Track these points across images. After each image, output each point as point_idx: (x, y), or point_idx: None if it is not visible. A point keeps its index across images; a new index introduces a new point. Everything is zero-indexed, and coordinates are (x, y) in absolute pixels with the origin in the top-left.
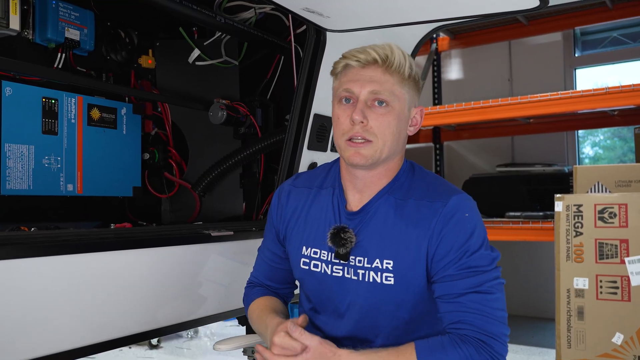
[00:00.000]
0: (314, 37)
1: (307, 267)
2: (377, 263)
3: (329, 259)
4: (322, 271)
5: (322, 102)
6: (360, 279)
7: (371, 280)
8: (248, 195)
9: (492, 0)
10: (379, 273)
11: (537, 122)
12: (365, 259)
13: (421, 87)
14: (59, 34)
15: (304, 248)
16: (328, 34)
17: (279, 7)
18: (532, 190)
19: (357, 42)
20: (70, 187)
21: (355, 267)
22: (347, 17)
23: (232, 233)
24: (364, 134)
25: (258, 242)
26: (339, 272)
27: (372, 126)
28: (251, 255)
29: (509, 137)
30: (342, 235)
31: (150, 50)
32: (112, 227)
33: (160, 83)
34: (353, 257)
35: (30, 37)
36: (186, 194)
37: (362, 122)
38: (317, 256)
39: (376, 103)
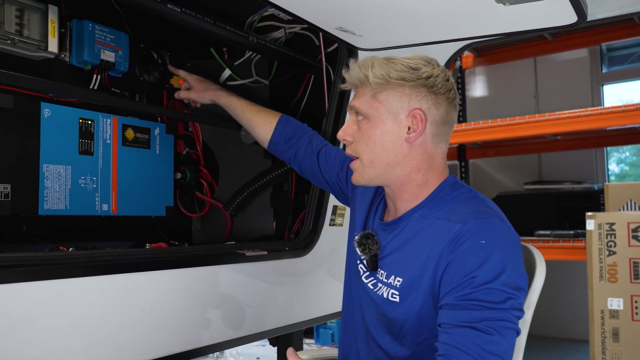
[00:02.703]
0: (345, 55)
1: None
2: (391, 279)
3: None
4: (362, 272)
5: None
6: (376, 290)
7: (381, 294)
8: (278, 215)
9: (528, 17)
10: (389, 289)
11: (565, 139)
12: (385, 273)
13: (427, 88)
14: (95, 56)
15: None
16: (360, 52)
17: (313, 27)
18: (562, 208)
19: None
20: (105, 206)
21: (378, 280)
22: (379, 36)
23: (266, 253)
24: (349, 151)
25: (292, 262)
26: (366, 280)
27: (355, 141)
28: (285, 276)
29: (536, 154)
30: (364, 241)
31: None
32: (147, 247)
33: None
34: (379, 270)
35: (67, 60)
36: (217, 214)
37: (345, 140)
38: (360, 254)
39: (357, 118)
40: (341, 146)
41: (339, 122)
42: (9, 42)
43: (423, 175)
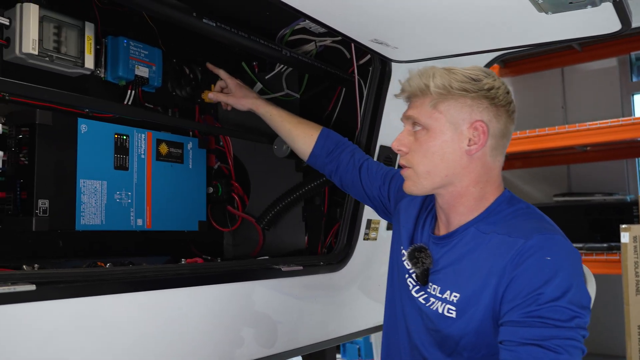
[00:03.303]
0: (379, 68)
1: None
2: (447, 294)
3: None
4: (411, 286)
5: (387, 134)
6: (429, 305)
7: (435, 309)
8: (310, 229)
9: (569, 25)
10: (444, 304)
11: (594, 150)
12: (439, 288)
13: (493, 99)
14: (130, 72)
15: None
16: (393, 64)
17: (348, 39)
18: (593, 220)
19: None
20: (139, 221)
21: (430, 295)
22: (414, 47)
23: (302, 268)
24: (402, 161)
25: (327, 277)
26: (416, 294)
27: (410, 152)
28: (319, 291)
29: (565, 165)
30: (417, 255)
31: (212, 86)
32: (184, 263)
33: (222, 117)
34: (431, 284)
35: (102, 76)
36: (248, 228)
37: (399, 150)
38: (409, 268)
39: (414, 128)
40: (372, 156)
41: (372, 134)
42: (47, 59)
43: (481, 188)
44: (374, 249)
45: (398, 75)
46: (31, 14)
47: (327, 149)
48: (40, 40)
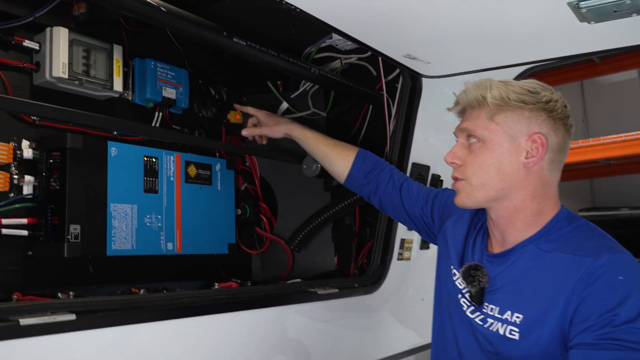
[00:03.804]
0: (409, 83)
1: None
2: (507, 315)
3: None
4: (462, 304)
5: (419, 151)
6: (487, 326)
7: (494, 330)
8: (340, 249)
9: (612, 34)
10: (505, 325)
11: (618, 163)
12: (498, 308)
13: (553, 112)
14: (157, 94)
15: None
16: (424, 80)
17: (378, 55)
18: (620, 235)
19: (452, 88)
20: (170, 245)
21: (487, 315)
22: (446, 62)
23: (337, 290)
24: (455, 174)
25: (362, 299)
26: (472, 315)
27: (464, 164)
28: (355, 313)
29: (588, 179)
30: (472, 273)
31: (237, 105)
32: (218, 287)
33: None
34: (487, 304)
35: (130, 98)
36: (277, 250)
37: (453, 163)
38: (462, 288)
39: (469, 140)
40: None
41: (404, 151)
42: (77, 82)
43: (538, 203)
44: (408, 269)
45: (429, 90)
46: (61, 37)
47: (364, 170)
48: (70, 63)
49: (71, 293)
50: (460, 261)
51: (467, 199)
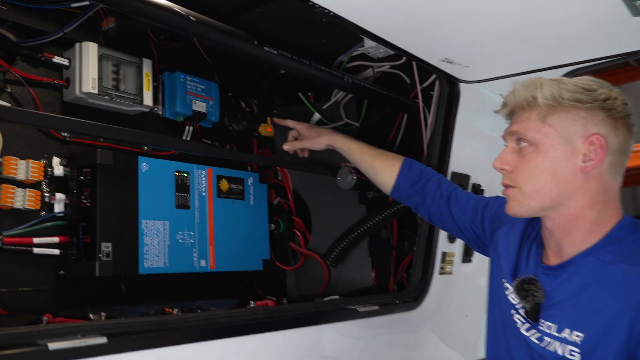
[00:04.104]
0: (446, 89)
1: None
2: (566, 333)
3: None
4: (517, 321)
5: (459, 160)
6: (544, 345)
7: (552, 350)
8: (377, 264)
9: None
10: (564, 345)
11: None
12: (555, 326)
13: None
14: (187, 107)
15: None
16: (462, 85)
17: (414, 60)
18: None
19: (491, 92)
20: (203, 262)
21: (543, 333)
22: (486, 66)
23: (378, 308)
24: (506, 181)
25: (403, 316)
26: (527, 332)
27: (514, 170)
28: (398, 331)
29: (630, 187)
30: (526, 287)
31: (268, 119)
32: (253, 306)
33: (280, 150)
34: (543, 321)
35: (160, 113)
36: (311, 265)
37: (503, 169)
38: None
39: (519, 145)
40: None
41: (443, 160)
42: (106, 97)
43: (598, 211)
44: (450, 284)
45: (467, 96)
46: (90, 52)
47: (410, 180)
48: (100, 78)
49: (103, 314)
50: (513, 274)
51: (519, 208)
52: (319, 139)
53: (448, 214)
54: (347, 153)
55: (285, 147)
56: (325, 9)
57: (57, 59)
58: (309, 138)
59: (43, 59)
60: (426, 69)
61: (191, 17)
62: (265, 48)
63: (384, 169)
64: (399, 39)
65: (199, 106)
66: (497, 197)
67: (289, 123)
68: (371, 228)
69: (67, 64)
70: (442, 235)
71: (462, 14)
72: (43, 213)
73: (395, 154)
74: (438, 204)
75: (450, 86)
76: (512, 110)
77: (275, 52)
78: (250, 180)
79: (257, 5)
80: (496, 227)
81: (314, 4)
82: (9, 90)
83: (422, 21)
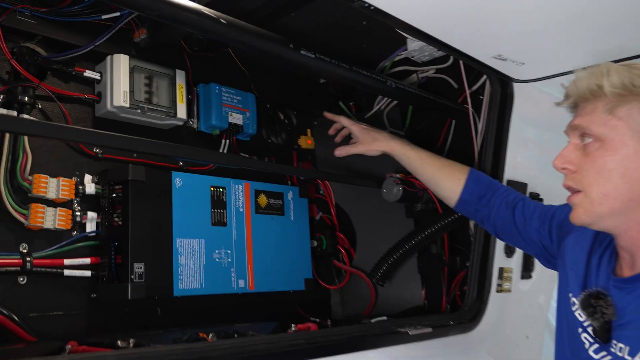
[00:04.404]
0: (498, 91)
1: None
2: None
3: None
4: (584, 340)
5: (514, 167)
6: None
7: None
8: (427, 282)
9: None
10: None
11: None
12: (628, 348)
13: None
14: (223, 120)
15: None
16: (515, 85)
17: (464, 58)
18: None
19: (550, 92)
20: (241, 283)
21: (615, 356)
22: (544, 62)
23: (431, 330)
24: (568, 182)
25: (458, 339)
26: (595, 355)
27: (578, 170)
28: (453, 355)
29: None
30: (593, 303)
31: (308, 130)
32: (294, 330)
33: (320, 163)
34: (615, 342)
35: (195, 126)
36: (356, 284)
37: (564, 169)
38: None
39: (583, 141)
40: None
41: (497, 167)
42: (139, 110)
43: None
44: (508, 302)
45: (521, 97)
46: (121, 65)
47: (477, 194)
48: (132, 91)
49: (132, 340)
50: (582, 287)
51: (585, 216)
52: (374, 145)
53: (513, 227)
54: (405, 162)
55: (337, 152)
56: (365, 2)
57: (88, 73)
58: (363, 143)
59: (74, 73)
60: (476, 68)
61: (222, 20)
62: (302, 51)
63: (447, 181)
64: (445, 34)
65: (236, 118)
66: (566, 204)
67: (343, 121)
68: (420, 243)
69: (98, 77)
70: (499, 249)
71: (515, 2)
72: (74, 233)
73: (459, 164)
74: (503, 216)
75: (503, 87)
76: (574, 102)
77: (312, 56)
78: (290, 195)
79: (293, 9)
80: (564, 236)
81: None
82: (40, 106)
83: (470, 11)
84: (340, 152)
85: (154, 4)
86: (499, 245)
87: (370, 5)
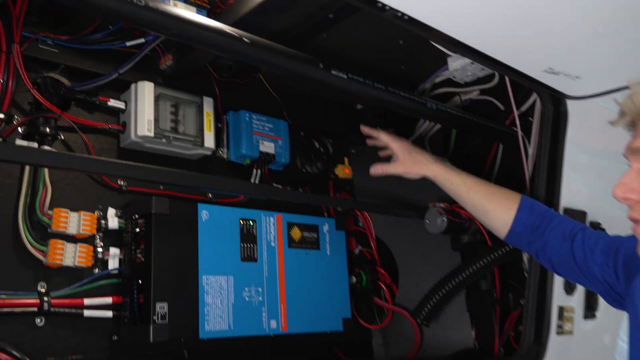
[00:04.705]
0: (550, 109)
1: None
2: None
3: None
4: None
5: (571, 193)
6: None
7: None
8: (477, 321)
9: None
10: None
11: None
12: None
13: None
14: (254, 149)
15: None
16: (569, 102)
17: (511, 73)
18: None
19: (606, 108)
20: (273, 323)
21: None
22: (603, 73)
23: None
24: (633, 214)
25: None
26: None
27: None
28: None
29: None
30: None
31: (345, 159)
32: None
33: (359, 193)
34: None
35: (225, 156)
36: (400, 323)
37: (627, 199)
38: None
39: None
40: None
41: (552, 195)
42: (164, 140)
43: None
44: (571, 346)
45: (578, 115)
46: (146, 92)
47: (532, 224)
48: (156, 120)
49: None
50: None
51: None
52: (415, 168)
53: (572, 261)
54: (449, 189)
55: (373, 170)
56: (398, 11)
57: (112, 102)
58: (403, 163)
59: (98, 102)
60: (524, 87)
61: (245, 39)
62: (333, 72)
63: (497, 211)
64: (489, 46)
65: (267, 147)
66: (633, 235)
67: (382, 137)
68: (468, 278)
69: (123, 107)
70: (558, 285)
71: (569, 4)
72: (96, 270)
73: (510, 191)
74: (560, 249)
75: (555, 104)
76: (632, 120)
77: (345, 76)
78: (325, 227)
79: (324, 29)
80: (633, 272)
81: (384, 5)
82: (62, 138)
83: (518, 19)
84: (376, 170)
85: (174, 23)
86: (558, 281)
87: (403, 14)
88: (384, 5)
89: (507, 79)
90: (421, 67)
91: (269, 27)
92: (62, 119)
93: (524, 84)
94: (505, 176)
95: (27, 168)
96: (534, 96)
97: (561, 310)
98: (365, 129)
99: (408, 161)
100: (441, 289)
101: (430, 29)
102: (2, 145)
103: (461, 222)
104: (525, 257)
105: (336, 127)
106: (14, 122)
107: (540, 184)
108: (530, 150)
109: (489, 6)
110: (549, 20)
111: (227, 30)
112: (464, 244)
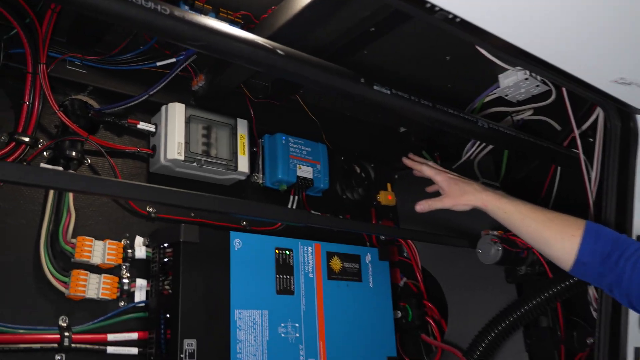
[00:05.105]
0: (617, 126)
1: None
2: None
3: None
4: None
5: None
6: None
7: None
8: None
9: None
10: None
11: None
12: None
13: None
14: (291, 173)
15: None
16: (638, 118)
17: (574, 85)
18: None
19: None
20: None
21: None
22: None
23: None
24: None
25: None
26: None
27: None
28: None
29: None
30: None
31: (388, 185)
32: None
33: (404, 221)
34: None
35: (260, 182)
36: None
37: None
38: None
39: None
40: None
41: (624, 221)
42: (195, 164)
43: None
44: None
45: None
46: (176, 114)
47: (601, 253)
48: (187, 143)
49: None
50: None
51: None
52: (463, 198)
53: None
54: (502, 218)
55: (418, 207)
56: (449, 12)
57: (142, 125)
58: (450, 196)
59: (127, 125)
60: (585, 103)
61: (279, 51)
62: (375, 87)
63: (558, 239)
64: (547, 52)
65: (305, 171)
66: None
67: (425, 171)
68: (527, 314)
69: (153, 130)
70: (633, 322)
71: None
72: (122, 303)
73: (571, 217)
74: (637, 282)
75: (624, 120)
76: None
77: (388, 92)
78: (368, 257)
79: (365, 44)
80: None
81: (434, 6)
82: (88, 162)
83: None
84: (422, 206)
85: (201, 34)
86: (633, 317)
87: (455, 16)
88: (433, 5)
89: (565, 95)
90: (470, 85)
91: (304, 44)
92: (89, 142)
93: (588, 98)
94: (564, 202)
95: (51, 193)
96: (596, 113)
97: (638, 352)
98: (407, 162)
99: (455, 193)
100: (496, 325)
101: (486, 34)
102: (25, 169)
103: (518, 251)
104: (590, 290)
105: (378, 151)
106: (39, 146)
107: (608, 209)
108: (593, 173)
109: (559, 11)
110: (620, 16)
111: (260, 42)
112: (520, 276)
